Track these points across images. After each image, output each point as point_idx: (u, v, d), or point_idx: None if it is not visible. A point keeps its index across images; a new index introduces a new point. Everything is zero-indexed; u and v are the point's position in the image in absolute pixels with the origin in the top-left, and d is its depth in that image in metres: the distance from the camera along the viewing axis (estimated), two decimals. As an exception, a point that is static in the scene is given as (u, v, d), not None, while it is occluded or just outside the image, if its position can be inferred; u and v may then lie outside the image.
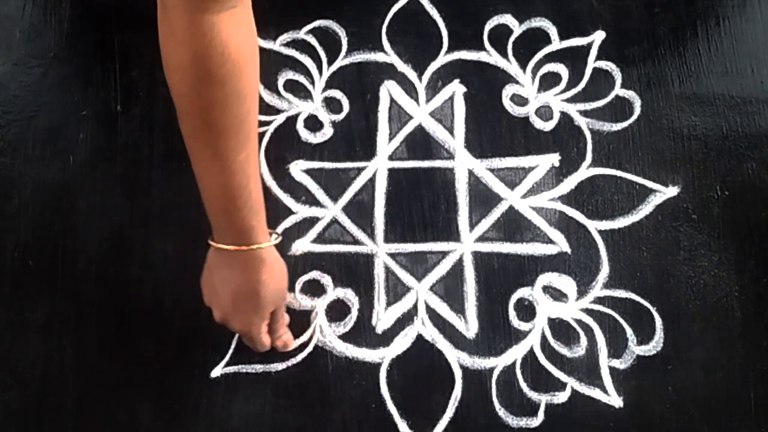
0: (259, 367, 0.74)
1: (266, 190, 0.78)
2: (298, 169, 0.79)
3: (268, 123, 0.79)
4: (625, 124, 0.80)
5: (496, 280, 0.76)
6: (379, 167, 0.79)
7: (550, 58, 0.81)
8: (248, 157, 0.61)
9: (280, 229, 0.77)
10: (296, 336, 0.75)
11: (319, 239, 0.77)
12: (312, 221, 0.78)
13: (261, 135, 0.79)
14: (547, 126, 0.80)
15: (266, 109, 0.80)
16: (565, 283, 0.76)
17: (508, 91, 0.81)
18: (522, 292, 0.76)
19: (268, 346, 0.71)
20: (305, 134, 0.80)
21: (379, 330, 0.75)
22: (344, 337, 0.75)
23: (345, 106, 0.80)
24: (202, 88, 0.55)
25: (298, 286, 0.76)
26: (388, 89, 0.81)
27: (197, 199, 0.77)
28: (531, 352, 0.74)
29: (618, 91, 0.80)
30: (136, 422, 0.73)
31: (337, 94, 0.81)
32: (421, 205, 0.78)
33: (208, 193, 0.63)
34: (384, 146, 0.80)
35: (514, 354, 0.74)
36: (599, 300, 0.76)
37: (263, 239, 0.65)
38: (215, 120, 0.57)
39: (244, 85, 0.57)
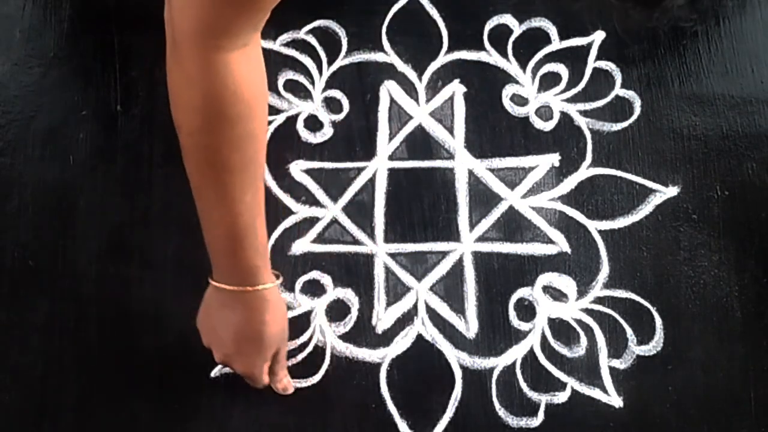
0: (259, 367, 0.74)
1: (266, 190, 0.77)
2: (298, 169, 0.79)
3: (267, 123, 0.79)
4: (625, 124, 0.80)
5: (496, 280, 0.76)
6: (379, 167, 0.79)
7: (550, 58, 0.81)
8: (255, 197, 0.59)
9: (280, 228, 0.77)
10: (296, 336, 0.75)
11: (319, 239, 0.77)
12: (312, 221, 0.78)
13: (261, 135, 0.79)
14: (547, 126, 0.80)
15: (266, 109, 0.80)
16: (565, 283, 0.76)
17: (508, 91, 0.81)
18: (522, 292, 0.76)
19: (266, 384, 0.70)
20: (305, 134, 0.80)
21: (379, 330, 0.75)
22: (344, 337, 0.75)
23: (345, 106, 0.80)
24: (213, 128, 0.54)
25: (298, 286, 0.76)
26: (388, 89, 0.81)
27: (197, 199, 0.77)
28: (531, 352, 0.74)
29: (618, 91, 0.80)
30: (136, 422, 0.73)
31: (337, 94, 0.81)
32: (421, 205, 0.78)
33: (213, 233, 0.62)
34: (384, 146, 0.80)
35: (514, 354, 0.74)
36: (599, 300, 0.76)
37: (268, 279, 0.63)
38: (224, 160, 0.56)
39: (255, 125, 0.56)
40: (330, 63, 0.81)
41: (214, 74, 0.51)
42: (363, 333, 0.75)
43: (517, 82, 0.81)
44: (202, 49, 0.50)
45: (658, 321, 0.75)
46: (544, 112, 0.80)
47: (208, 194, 0.59)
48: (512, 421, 0.73)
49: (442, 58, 0.81)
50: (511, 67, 0.81)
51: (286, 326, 0.69)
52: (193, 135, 0.56)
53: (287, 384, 0.72)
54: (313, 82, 0.81)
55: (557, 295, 0.76)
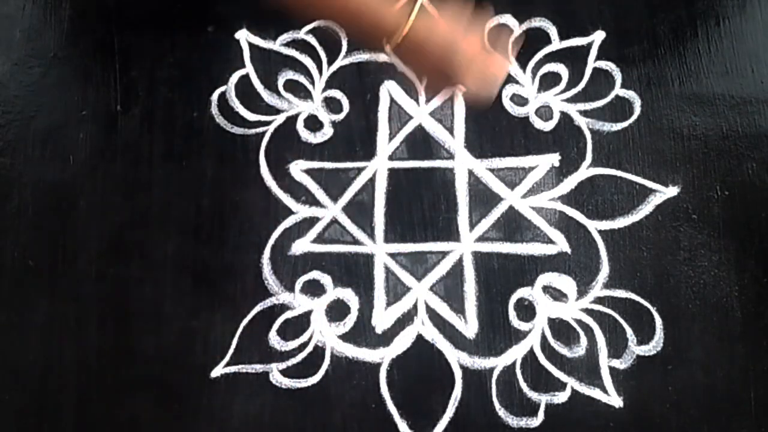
0: (259, 367, 0.74)
1: (266, 190, 0.78)
2: (298, 169, 0.79)
3: (268, 123, 0.80)
4: (625, 124, 0.80)
5: (496, 280, 0.76)
6: (379, 167, 0.79)
7: (550, 58, 0.81)
8: None
9: (280, 228, 0.77)
10: (296, 336, 0.75)
11: (319, 239, 0.77)
12: (312, 221, 0.78)
13: (261, 135, 0.79)
14: (547, 126, 0.80)
15: (266, 109, 0.80)
16: (565, 283, 0.76)
17: (508, 91, 0.81)
18: (522, 292, 0.76)
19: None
20: (305, 134, 0.80)
21: (379, 330, 0.75)
22: (344, 337, 0.75)
23: (345, 106, 0.80)
24: None
25: (298, 286, 0.76)
26: (388, 89, 0.81)
27: (197, 199, 0.77)
28: (531, 352, 0.74)
29: (618, 91, 0.80)
30: (136, 422, 0.73)
31: (337, 94, 0.81)
32: (421, 205, 0.78)
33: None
34: (384, 146, 0.80)
35: (514, 354, 0.74)
36: (599, 300, 0.76)
37: None
38: None
39: None
40: (330, 63, 0.81)
41: None
42: (363, 333, 0.75)
43: (517, 82, 0.81)
44: None
45: (658, 321, 0.75)
46: (544, 112, 0.80)
47: None
48: (512, 421, 0.73)
49: (442, 58, 0.81)
50: (511, 67, 0.81)
51: None
52: None
53: None
54: (313, 82, 0.81)
55: (557, 295, 0.76)
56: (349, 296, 0.76)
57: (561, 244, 0.77)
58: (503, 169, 0.79)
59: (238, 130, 0.79)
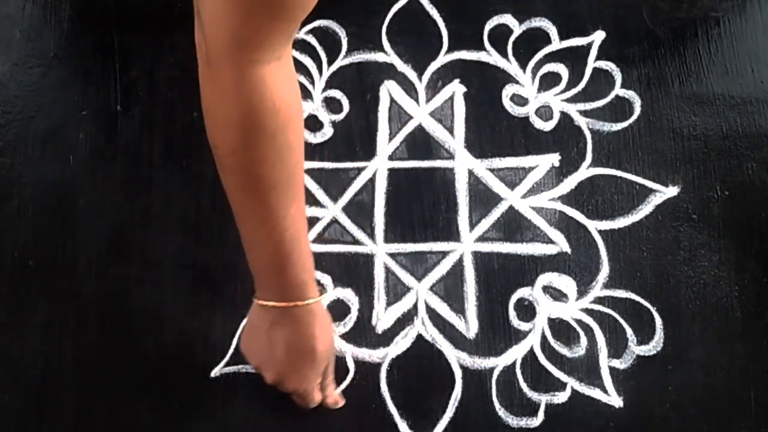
0: (259, 367, 0.74)
1: (266, 190, 0.78)
2: (298, 169, 0.79)
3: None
4: (625, 124, 0.80)
5: (496, 280, 0.76)
6: (379, 167, 0.79)
7: (550, 58, 0.81)
8: (298, 210, 0.58)
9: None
10: (296, 336, 0.75)
11: (319, 239, 0.77)
12: (312, 221, 0.78)
13: (261, 135, 0.79)
14: (547, 126, 0.80)
15: (266, 109, 0.80)
16: (565, 283, 0.76)
17: (508, 91, 0.81)
18: (522, 292, 0.76)
19: (319, 401, 0.69)
20: (305, 134, 0.79)
21: (379, 330, 0.75)
22: (344, 337, 0.75)
23: (345, 106, 0.80)
24: (253, 143, 0.53)
25: (298, 286, 0.76)
26: (388, 89, 0.81)
27: (197, 199, 0.77)
28: (531, 352, 0.74)
29: (618, 91, 0.80)
30: (136, 422, 0.73)
31: (337, 94, 0.81)
32: (421, 205, 0.78)
33: (258, 253, 0.60)
34: (384, 146, 0.80)
35: (514, 354, 0.74)
36: (599, 300, 0.76)
37: (314, 293, 0.63)
38: (266, 175, 0.55)
39: (293, 137, 0.55)
40: (330, 63, 0.81)
41: (251, 89, 0.50)
42: (363, 333, 0.75)
43: (517, 82, 0.81)
44: (238, 64, 0.50)
45: (658, 321, 0.75)
46: (544, 112, 0.80)
47: (252, 214, 0.58)
48: (512, 421, 0.73)
49: (442, 58, 0.81)
50: (511, 67, 0.81)
51: (333, 337, 0.69)
52: (234, 154, 0.55)
53: (338, 398, 0.72)
54: (313, 82, 0.81)
55: (557, 295, 0.76)
56: (349, 296, 0.76)
57: (561, 244, 0.77)
58: (503, 169, 0.79)
59: (238, 130, 0.79)
